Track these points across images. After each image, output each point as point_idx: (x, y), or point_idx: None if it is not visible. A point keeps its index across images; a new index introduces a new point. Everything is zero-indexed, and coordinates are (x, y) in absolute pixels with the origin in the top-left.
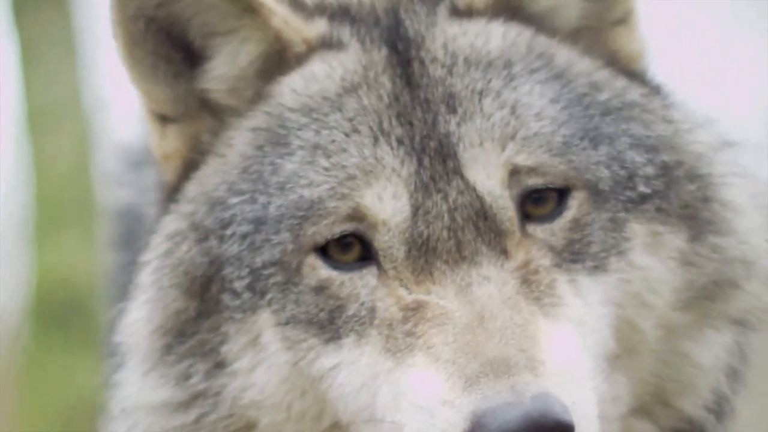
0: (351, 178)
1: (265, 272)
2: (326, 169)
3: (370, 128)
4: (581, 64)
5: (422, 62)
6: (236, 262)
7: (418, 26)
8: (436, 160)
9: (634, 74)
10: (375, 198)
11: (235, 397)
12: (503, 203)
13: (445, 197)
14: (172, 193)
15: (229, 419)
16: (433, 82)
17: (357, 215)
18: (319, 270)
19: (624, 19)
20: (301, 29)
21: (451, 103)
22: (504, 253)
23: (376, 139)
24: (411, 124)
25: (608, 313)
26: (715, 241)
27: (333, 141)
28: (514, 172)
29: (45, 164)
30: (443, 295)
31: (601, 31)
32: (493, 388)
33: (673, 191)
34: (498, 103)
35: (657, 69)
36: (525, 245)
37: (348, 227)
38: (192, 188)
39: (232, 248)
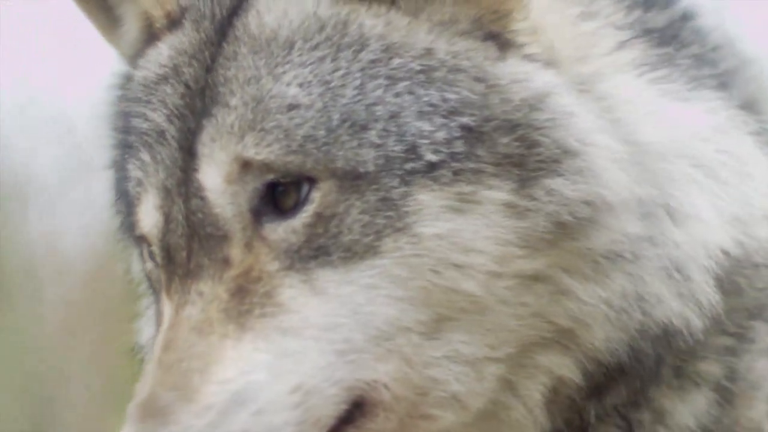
0: (137, 185)
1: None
2: (131, 170)
3: (156, 126)
4: (379, 27)
5: (226, 44)
6: None
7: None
8: (185, 160)
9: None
10: (144, 213)
11: None
12: (226, 200)
13: (186, 201)
14: None
15: None
16: (219, 67)
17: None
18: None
19: None
20: (165, 3)
21: (217, 92)
22: (225, 262)
23: (156, 140)
24: (186, 117)
25: (386, 294)
26: (549, 183)
27: (134, 142)
28: (247, 168)
29: None
30: (167, 314)
31: None
32: None
33: (483, 149)
34: (251, 94)
35: None
36: (255, 249)
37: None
38: None
39: None
